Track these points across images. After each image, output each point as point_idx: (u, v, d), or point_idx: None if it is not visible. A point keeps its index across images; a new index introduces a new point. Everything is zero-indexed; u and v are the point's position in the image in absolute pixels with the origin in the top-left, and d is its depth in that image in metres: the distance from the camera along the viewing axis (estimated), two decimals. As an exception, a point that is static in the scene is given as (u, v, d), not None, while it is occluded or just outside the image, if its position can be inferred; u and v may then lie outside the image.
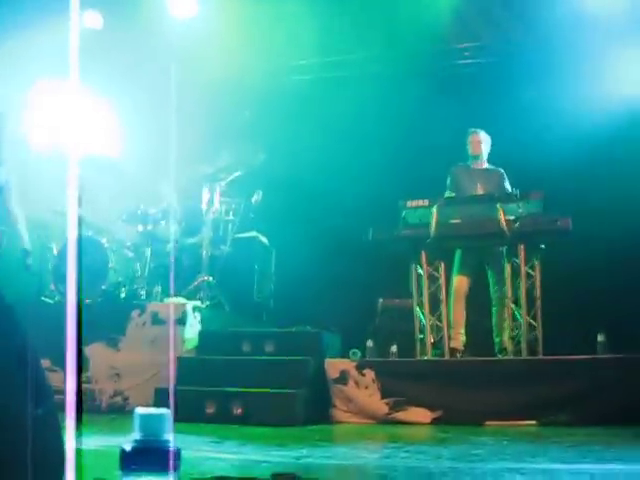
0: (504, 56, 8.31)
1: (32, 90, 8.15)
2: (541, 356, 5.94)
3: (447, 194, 6.79)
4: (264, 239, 7.96)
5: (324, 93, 8.80)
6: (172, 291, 6.91)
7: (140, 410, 1.45)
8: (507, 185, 6.84)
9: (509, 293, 6.28)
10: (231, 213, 7.65)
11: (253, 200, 7.62)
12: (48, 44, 7.26)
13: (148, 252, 7.23)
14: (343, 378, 5.86)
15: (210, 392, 5.61)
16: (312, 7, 7.85)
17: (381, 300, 7.35)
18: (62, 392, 1.65)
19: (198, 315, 6.50)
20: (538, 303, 6.09)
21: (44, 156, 7.94)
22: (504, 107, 7.74)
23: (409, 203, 6.34)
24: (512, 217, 6.07)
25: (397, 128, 8.17)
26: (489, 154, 7.03)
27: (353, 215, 7.95)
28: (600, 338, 5.77)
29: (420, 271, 6.38)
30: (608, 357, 5.58)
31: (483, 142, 6.97)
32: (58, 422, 1.74)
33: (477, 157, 6.98)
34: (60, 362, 5.97)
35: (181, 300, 6.71)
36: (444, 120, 7.87)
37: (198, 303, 6.81)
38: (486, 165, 7.03)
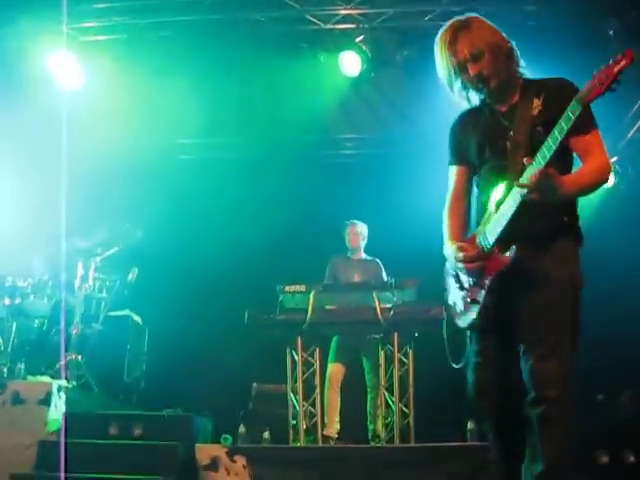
0: (384, 148, 8.65)
1: None
2: (413, 443, 5.99)
3: (326, 282, 6.88)
4: (137, 318, 7.76)
5: (207, 173, 8.82)
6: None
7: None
8: (384, 275, 7.00)
9: (383, 380, 6.35)
10: (104, 290, 7.43)
11: (129, 278, 7.46)
12: None
13: (14, 327, 6.87)
14: (214, 465, 5.67)
15: (73, 479, 5.29)
16: (199, 86, 7.93)
17: (255, 385, 7.26)
18: None
19: (63, 396, 6.18)
20: (411, 390, 6.18)
21: None
22: (382, 198, 8.00)
23: (287, 288, 6.36)
24: (387, 305, 6.19)
25: (278, 213, 8.25)
26: (366, 244, 7.21)
27: (230, 297, 7.91)
28: (470, 426, 5.88)
29: (295, 356, 6.36)
30: (478, 444, 5.68)
31: (360, 234, 7.17)
32: None
33: (355, 249, 7.16)
34: None
35: (46, 379, 6.37)
36: (325, 208, 8.05)
37: (64, 383, 6.49)
38: (364, 256, 7.21)
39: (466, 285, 3.14)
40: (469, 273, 3.08)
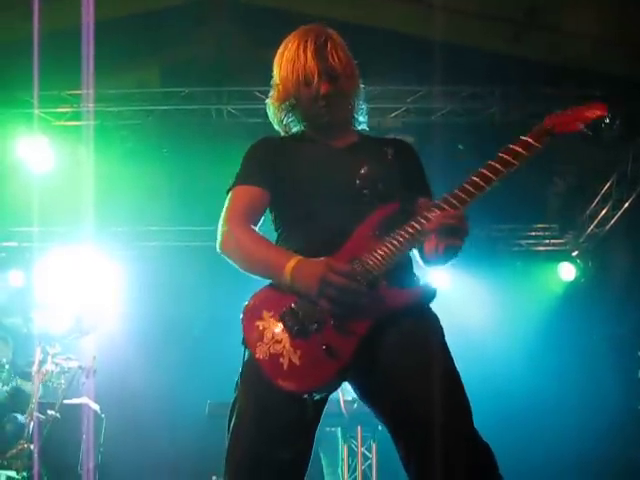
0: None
1: None
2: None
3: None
4: (96, 406, 7.52)
5: (173, 260, 8.81)
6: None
7: None
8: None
9: (345, 476, 6.18)
10: (62, 377, 7.22)
11: (88, 365, 7.26)
12: None
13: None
14: None
15: None
16: (168, 174, 8.00)
17: (214, 477, 7.04)
18: None
19: (11, 487, 5.93)
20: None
21: None
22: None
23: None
24: (350, 398, 6.07)
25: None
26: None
27: (193, 388, 7.74)
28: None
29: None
30: None
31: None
32: None
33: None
34: None
35: (-6, 469, 6.12)
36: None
37: (13, 474, 6.22)
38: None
39: (315, 327, 2.39)
40: (346, 302, 2.34)
